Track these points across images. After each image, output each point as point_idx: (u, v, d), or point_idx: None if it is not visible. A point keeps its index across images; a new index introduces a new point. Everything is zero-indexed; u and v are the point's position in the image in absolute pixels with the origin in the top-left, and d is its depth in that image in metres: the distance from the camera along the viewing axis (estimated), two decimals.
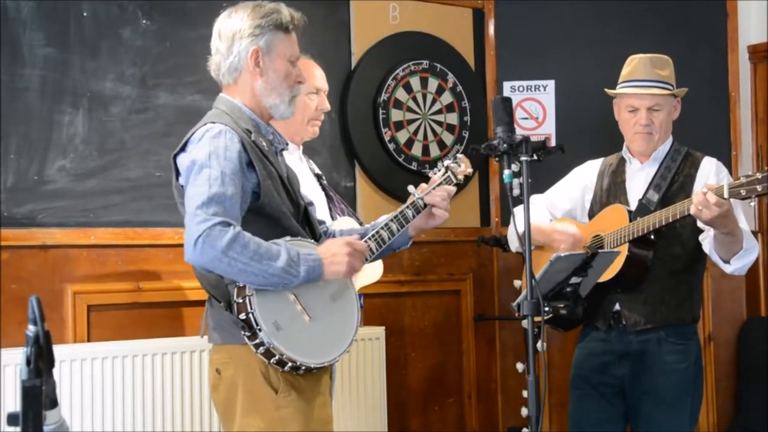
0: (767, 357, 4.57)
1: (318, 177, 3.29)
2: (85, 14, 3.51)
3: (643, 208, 3.12)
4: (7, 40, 3.34)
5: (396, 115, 4.31)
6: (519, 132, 2.55)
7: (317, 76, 3.24)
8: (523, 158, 2.49)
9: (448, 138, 4.46)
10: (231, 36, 2.47)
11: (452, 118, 4.48)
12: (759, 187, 2.64)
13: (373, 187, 4.25)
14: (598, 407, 3.21)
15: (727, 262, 2.97)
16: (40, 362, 1.61)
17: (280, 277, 2.29)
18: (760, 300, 4.75)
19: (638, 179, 3.23)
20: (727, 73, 4.56)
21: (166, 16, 3.69)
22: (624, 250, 3.04)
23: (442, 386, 4.42)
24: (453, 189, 2.79)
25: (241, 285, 2.31)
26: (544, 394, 2.42)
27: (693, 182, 3.15)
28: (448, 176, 2.83)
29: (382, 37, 4.31)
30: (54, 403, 1.70)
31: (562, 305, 2.68)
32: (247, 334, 2.30)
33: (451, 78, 4.47)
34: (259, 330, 2.28)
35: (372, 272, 3.24)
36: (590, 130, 4.31)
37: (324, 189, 3.26)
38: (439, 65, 4.44)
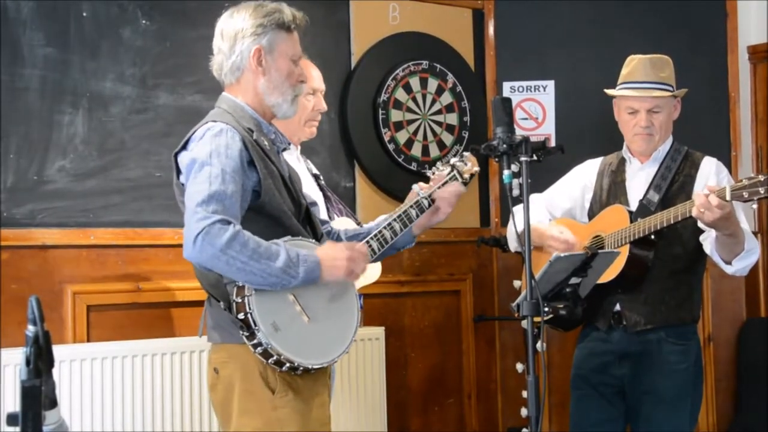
0: (767, 357, 4.58)
1: (316, 177, 3.29)
2: (85, 14, 3.51)
3: (644, 209, 3.12)
4: (7, 40, 3.34)
5: (396, 115, 4.31)
6: (519, 132, 2.55)
7: (314, 77, 3.24)
8: (522, 159, 2.49)
9: (447, 138, 4.46)
10: (233, 35, 2.48)
11: (452, 119, 4.48)
12: (761, 190, 2.64)
13: (373, 188, 4.24)
14: (599, 407, 3.21)
15: (728, 263, 2.97)
16: (40, 362, 1.61)
17: (279, 278, 2.29)
18: (759, 300, 4.76)
19: (638, 179, 3.23)
20: (726, 74, 4.56)
21: (166, 16, 3.69)
22: (625, 252, 3.04)
23: (442, 386, 4.42)
24: (463, 188, 2.80)
25: (241, 284, 2.31)
26: (543, 394, 2.42)
27: (693, 182, 3.15)
28: (454, 175, 2.83)
29: (382, 37, 4.31)
30: (53, 404, 1.70)
31: (561, 305, 2.68)
32: (246, 333, 2.31)
33: (450, 78, 4.47)
34: (257, 330, 2.28)
35: (370, 272, 3.24)
36: (590, 131, 4.31)
37: (322, 189, 3.26)
38: (438, 65, 4.44)
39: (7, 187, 3.33)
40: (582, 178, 3.37)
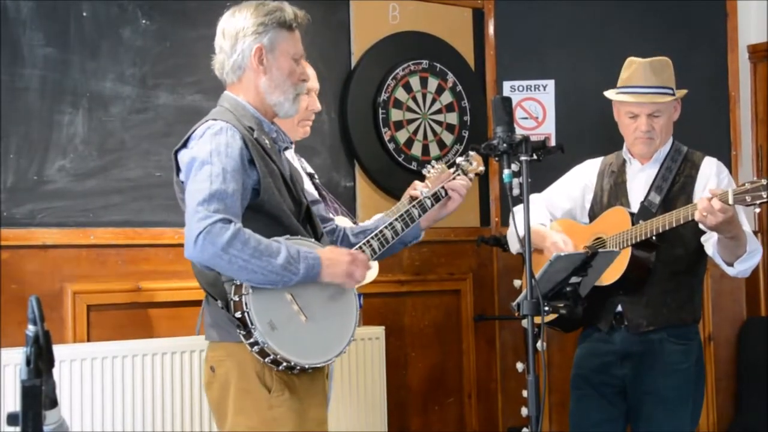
0: (767, 357, 4.57)
1: (310, 176, 3.29)
2: (84, 14, 3.51)
3: (645, 211, 3.11)
4: (7, 40, 3.34)
5: (396, 114, 4.31)
6: (519, 132, 2.55)
7: (309, 76, 3.24)
8: (522, 158, 2.49)
9: (447, 138, 4.46)
10: (234, 34, 2.48)
11: (452, 118, 4.48)
12: (764, 194, 2.63)
13: (373, 187, 4.24)
14: (599, 407, 3.21)
15: (730, 264, 2.97)
16: (40, 362, 1.61)
17: (280, 275, 2.29)
18: (760, 300, 4.75)
19: (639, 180, 3.22)
20: (726, 73, 4.56)
21: (166, 16, 3.69)
22: (627, 254, 3.04)
23: (442, 386, 4.42)
24: (469, 183, 2.85)
25: (238, 283, 2.31)
26: (544, 393, 2.42)
27: (694, 183, 3.14)
28: (458, 174, 2.85)
29: (382, 36, 4.31)
30: (54, 403, 1.70)
31: (562, 305, 2.68)
32: (243, 332, 2.31)
33: (450, 78, 4.47)
34: (254, 329, 2.28)
35: (368, 272, 3.24)
36: (590, 130, 4.31)
37: (317, 188, 3.25)
38: (438, 65, 4.44)
39: (7, 187, 3.33)
40: (582, 179, 3.37)
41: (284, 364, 2.33)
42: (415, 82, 4.37)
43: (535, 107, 4.53)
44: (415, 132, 4.37)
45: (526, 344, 2.45)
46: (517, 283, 4.10)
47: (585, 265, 2.74)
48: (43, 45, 3.42)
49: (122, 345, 3.37)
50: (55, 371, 1.70)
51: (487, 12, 4.59)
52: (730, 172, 3.42)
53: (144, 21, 3.63)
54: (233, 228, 2.25)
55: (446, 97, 4.46)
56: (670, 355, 3.12)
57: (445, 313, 4.44)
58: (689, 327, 3.17)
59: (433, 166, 3.44)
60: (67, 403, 3.16)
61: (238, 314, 2.30)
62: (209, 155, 2.33)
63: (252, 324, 2.28)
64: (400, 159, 4.29)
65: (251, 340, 2.30)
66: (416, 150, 4.35)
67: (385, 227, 2.64)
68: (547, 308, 2.51)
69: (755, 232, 4.28)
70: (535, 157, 2.51)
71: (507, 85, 4.54)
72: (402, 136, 4.32)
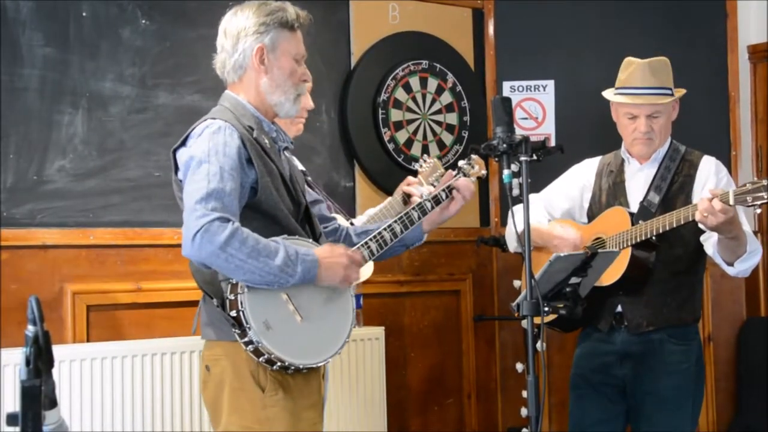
0: (767, 357, 4.58)
1: (303, 173, 3.29)
2: (84, 14, 3.51)
3: (645, 210, 3.11)
4: (6, 40, 3.34)
5: (395, 115, 4.31)
6: (518, 132, 2.55)
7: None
8: (522, 158, 2.49)
9: (447, 138, 4.46)
10: (236, 34, 2.48)
11: (452, 118, 4.48)
12: (765, 195, 2.63)
13: (373, 187, 4.24)
14: (598, 407, 3.21)
15: (730, 264, 2.97)
16: (40, 362, 1.61)
17: (277, 276, 2.29)
18: (759, 300, 4.75)
19: (638, 180, 3.22)
20: (726, 73, 4.56)
21: (166, 16, 3.68)
22: (627, 254, 3.04)
23: (442, 386, 4.42)
24: (473, 186, 2.84)
25: (235, 282, 2.31)
26: (543, 394, 2.42)
27: (693, 182, 3.14)
28: (459, 177, 2.84)
29: (382, 37, 4.31)
30: (53, 403, 1.70)
31: (561, 305, 2.68)
32: (237, 331, 2.31)
33: (450, 78, 4.47)
34: (249, 328, 2.28)
35: (362, 270, 3.25)
36: (590, 131, 4.31)
37: (310, 186, 3.25)
38: (438, 65, 4.44)
39: (7, 187, 3.33)
40: (580, 179, 3.36)
41: (278, 363, 2.33)
42: (414, 82, 4.37)
43: (534, 107, 4.53)
44: (415, 132, 4.37)
45: (525, 344, 2.45)
46: (516, 283, 4.10)
47: (585, 265, 2.73)
48: (42, 45, 3.42)
49: (122, 345, 3.37)
50: (55, 371, 1.69)
51: (486, 12, 4.59)
52: (730, 172, 3.42)
53: (143, 21, 3.63)
54: (231, 226, 2.25)
55: (446, 98, 4.46)
56: (671, 356, 3.12)
57: (445, 314, 4.44)
58: (689, 327, 3.17)
59: (425, 161, 3.44)
60: (67, 404, 3.16)
61: (233, 313, 2.30)
62: (207, 154, 2.33)
63: (247, 323, 2.28)
64: (399, 159, 4.29)
65: (246, 339, 2.30)
66: (416, 150, 4.34)
67: (384, 229, 2.64)
68: (546, 309, 2.51)
69: (755, 233, 4.29)
70: (534, 157, 2.51)
71: (507, 86, 4.54)
72: (402, 136, 4.32)
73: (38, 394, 1.60)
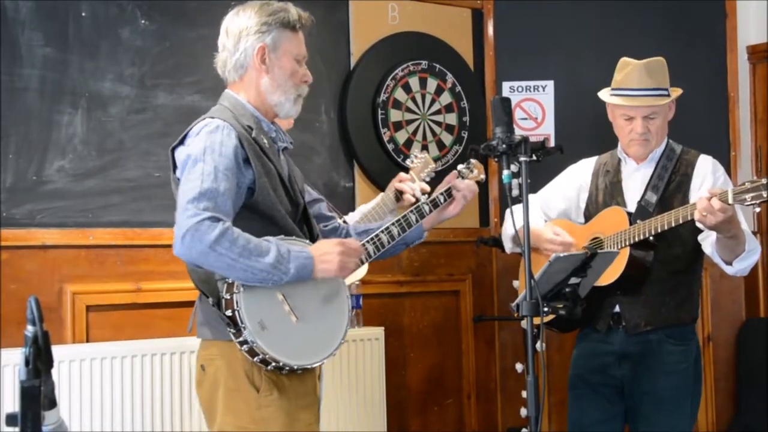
0: (766, 357, 4.58)
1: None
2: (83, 14, 3.51)
3: (643, 210, 3.11)
4: (6, 40, 3.34)
5: (395, 115, 4.31)
6: (518, 132, 2.55)
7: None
8: (522, 159, 2.49)
9: (447, 138, 4.46)
10: (238, 33, 2.48)
11: (451, 119, 4.48)
12: (764, 193, 2.63)
13: (372, 188, 4.24)
14: (597, 407, 3.21)
15: (729, 263, 2.97)
16: (39, 362, 1.61)
17: (269, 273, 2.28)
18: (759, 300, 4.76)
19: (635, 180, 3.22)
20: (726, 74, 4.56)
21: (166, 16, 3.68)
22: (625, 254, 3.03)
23: (442, 386, 4.42)
24: (476, 187, 2.84)
25: (230, 281, 2.31)
26: (543, 394, 2.42)
27: (690, 182, 3.14)
28: (460, 177, 2.84)
29: (381, 37, 4.31)
30: (53, 404, 1.70)
31: (561, 305, 2.68)
32: (233, 331, 2.31)
33: (450, 78, 4.47)
34: (244, 327, 2.28)
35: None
36: (589, 131, 4.30)
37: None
38: (438, 65, 4.44)
39: (7, 187, 3.33)
40: (577, 179, 3.36)
41: (273, 364, 2.33)
42: (414, 82, 4.37)
43: (534, 108, 4.53)
44: (415, 132, 4.37)
45: (525, 345, 2.45)
46: (516, 283, 4.09)
47: (584, 265, 2.73)
48: (42, 45, 3.42)
49: (121, 345, 3.37)
50: (54, 372, 1.69)
51: (486, 12, 4.59)
52: (729, 172, 3.42)
53: (143, 21, 3.63)
54: (221, 226, 2.25)
55: (445, 98, 4.46)
56: (669, 356, 3.12)
57: (445, 314, 4.44)
58: (687, 327, 3.17)
59: (416, 156, 3.43)
60: (66, 404, 3.16)
61: (228, 312, 2.30)
62: (202, 153, 2.33)
63: (242, 323, 2.28)
64: (399, 159, 4.28)
65: (241, 339, 2.30)
66: (415, 151, 4.34)
67: (381, 231, 2.64)
68: (546, 309, 2.51)
69: (754, 233, 4.29)
70: (534, 157, 2.51)
71: (506, 86, 4.54)
72: (401, 136, 4.32)
73: (38, 395, 1.60)
